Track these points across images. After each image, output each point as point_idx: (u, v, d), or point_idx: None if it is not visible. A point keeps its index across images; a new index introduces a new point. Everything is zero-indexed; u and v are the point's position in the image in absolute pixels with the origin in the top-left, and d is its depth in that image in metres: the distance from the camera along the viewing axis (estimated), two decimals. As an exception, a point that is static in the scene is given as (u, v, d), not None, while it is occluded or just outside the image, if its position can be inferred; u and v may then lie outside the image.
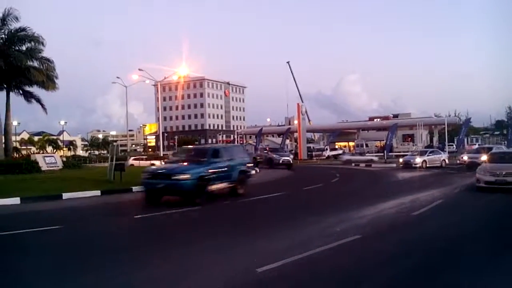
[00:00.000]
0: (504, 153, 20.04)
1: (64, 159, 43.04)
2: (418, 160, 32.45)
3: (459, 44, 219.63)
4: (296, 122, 68.49)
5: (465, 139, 61.23)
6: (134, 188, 18.62)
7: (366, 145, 71.54)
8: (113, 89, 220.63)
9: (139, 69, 45.94)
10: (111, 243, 8.55)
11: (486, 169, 15.64)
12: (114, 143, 33.69)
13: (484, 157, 28.63)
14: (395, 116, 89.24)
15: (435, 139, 76.51)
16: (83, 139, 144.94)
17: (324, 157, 60.21)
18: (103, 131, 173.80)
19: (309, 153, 60.75)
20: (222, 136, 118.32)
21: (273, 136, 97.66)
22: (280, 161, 36.87)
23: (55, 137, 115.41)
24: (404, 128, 76.44)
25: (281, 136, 79.27)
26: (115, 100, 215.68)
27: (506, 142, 56.31)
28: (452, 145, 56.04)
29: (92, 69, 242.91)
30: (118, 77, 49.44)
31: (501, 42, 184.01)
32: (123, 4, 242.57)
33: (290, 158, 38.72)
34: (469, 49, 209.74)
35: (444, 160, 33.88)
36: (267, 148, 43.61)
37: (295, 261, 6.50)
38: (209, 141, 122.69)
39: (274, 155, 38.41)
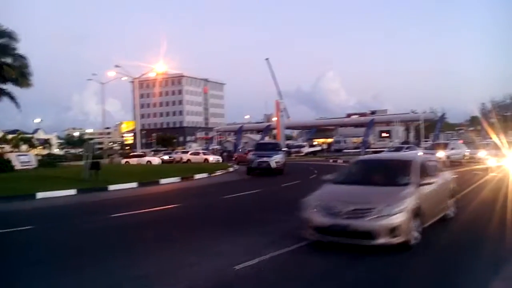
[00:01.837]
0: (379, 161, 9.84)
1: (39, 157, 42.27)
2: (395, 156, 32.81)
3: (436, 43, 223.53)
4: (275, 119, 68.72)
5: (440, 135, 62.37)
6: (111, 187, 18.44)
7: (344, 142, 72.32)
8: (90, 86, 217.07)
9: (116, 66, 45.38)
10: (86, 243, 8.40)
11: (321, 200, 7.46)
12: (90, 141, 33.19)
13: (440, 154, 28.59)
14: (372, 112, 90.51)
15: (411, 135, 77.80)
16: (58, 137, 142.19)
17: (303, 154, 60.57)
18: (80, 129, 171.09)
19: (288, 149, 61.03)
20: (201, 134, 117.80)
21: (251, 133, 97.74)
22: (252, 165, 25.75)
23: (29, 135, 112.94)
24: (381, 124, 77.53)
25: (261, 133, 79.40)
26: (91, 97, 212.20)
27: (480, 137, 57.47)
28: (428, 141, 56.99)
29: (68, 66, 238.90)
30: (94, 74, 49.05)
31: (477, 41, 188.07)
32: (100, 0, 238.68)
33: (273, 160, 25.14)
34: (445, 47, 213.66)
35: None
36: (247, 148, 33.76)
37: (271, 259, 6.52)
38: (188, 138, 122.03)
39: (251, 156, 26.93)
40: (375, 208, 6.62)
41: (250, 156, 27.40)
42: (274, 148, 27.65)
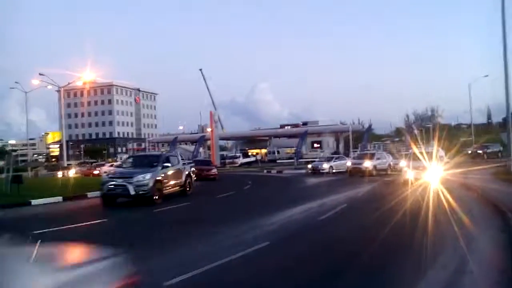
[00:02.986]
0: None
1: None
2: (325, 165, 33.91)
3: (362, 56, 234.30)
4: (209, 129, 68.51)
5: (368, 145, 65.23)
6: (34, 201, 17.37)
7: (278, 152, 73.57)
8: (12, 95, 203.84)
9: (40, 74, 42.91)
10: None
11: None
12: (11, 153, 31.20)
13: (367, 163, 30.15)
14: (304, 123, 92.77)
15: (341, 145, 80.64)
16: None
17: (237, 165, 60.80)
18: (1, 140, 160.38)
19: (222, 160, 61.06)
20: (133, 145, 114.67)
21: (186, 144, 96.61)
22: (104, 191, 16.42)
23: None
24: (313, 135, 79.71)
25: (195, 144, 78.71)
26: (14, 106, 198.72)
27: (405, 147, 60.55)
28: (357, 151, 59.42)
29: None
30: (17, 82, 45.96)
31: (400, 55, 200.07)
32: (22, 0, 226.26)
33: (134, 184, 15.94)
34: (370, 61, 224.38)
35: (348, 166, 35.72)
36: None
37: (205, 272, 6.39)
38: (119, 149, 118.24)
39: (105, 176, 18.03)
40: None
41: (104, 176, 18.46)
42: (151, 162, 17.82)
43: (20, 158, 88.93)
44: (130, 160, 21.22)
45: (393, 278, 6.12)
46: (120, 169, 18.62)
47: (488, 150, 46.88)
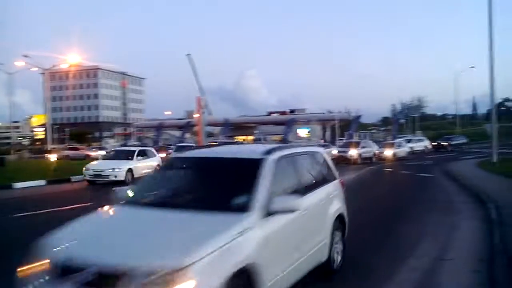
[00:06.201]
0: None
1: None
2: (311, 153, 33.95)
3: (352, 45, 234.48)
4: (196, 115, 68.13)
5: (354, 134, 65.66)
6: (16, 184, 17.20)
7: (265, 139, 73.59)
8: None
9: (24, 55, 42.09)
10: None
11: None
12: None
13: (353, 152, 30.29)
14: (292, 111, 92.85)
15: (328, 133, 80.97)
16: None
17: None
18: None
19: (209, 147, 60.82)
20: (119, 129, 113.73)
21: (172, 129, 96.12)
22: None
23: None
24: (300, 123, 79.91)
25: (182, 129, 78.37)
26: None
27: (392, 136, 60.93)
28: (343, 139, 59.78)
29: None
30: (0, 63, 45.00)
31: (390, 46, 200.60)
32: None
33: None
34: (361, 51, 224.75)
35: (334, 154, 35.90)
36: None
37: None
38: (104, 134, 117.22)
39: None
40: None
41: None
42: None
43: (4, 141, 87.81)
44: None
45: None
46: None
47: (453, 142, 47.50)
